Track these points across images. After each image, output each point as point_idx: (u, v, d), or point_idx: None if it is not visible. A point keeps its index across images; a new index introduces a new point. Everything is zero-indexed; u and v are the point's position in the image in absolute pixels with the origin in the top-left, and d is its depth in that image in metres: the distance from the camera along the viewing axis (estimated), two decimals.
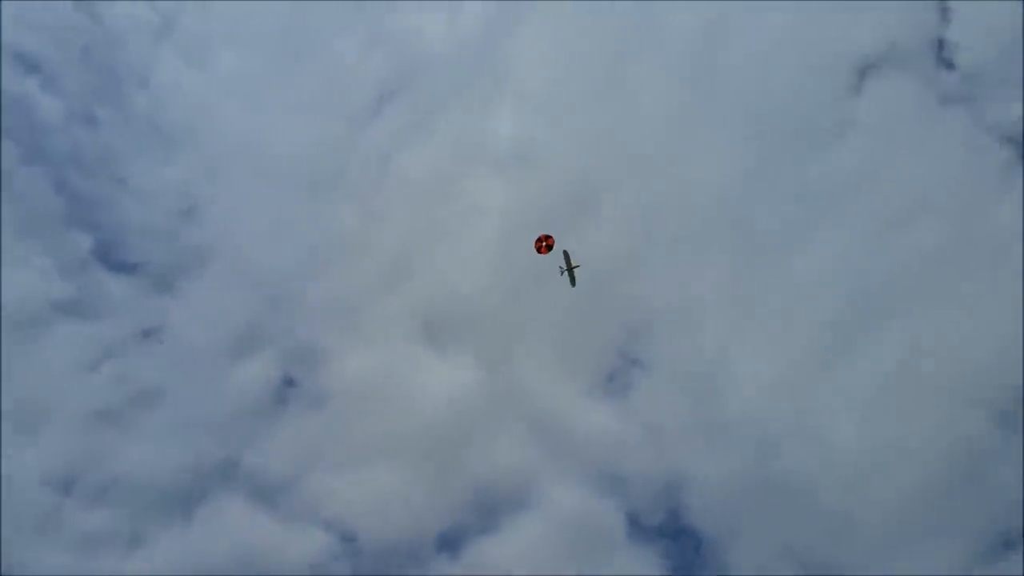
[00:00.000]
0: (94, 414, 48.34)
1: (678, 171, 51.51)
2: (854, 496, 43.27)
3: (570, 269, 41.21)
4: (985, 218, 44.18)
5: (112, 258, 51.62)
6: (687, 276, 49.73)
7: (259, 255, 53.84)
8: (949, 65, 46.50)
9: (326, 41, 56.99)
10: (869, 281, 46.85)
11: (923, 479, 42.53)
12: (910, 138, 47.08)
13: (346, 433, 50.33)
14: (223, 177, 55.11)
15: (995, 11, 45.21)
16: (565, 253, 41.14)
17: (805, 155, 49.28)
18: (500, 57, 54.99)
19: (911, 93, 47.14)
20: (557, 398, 50.07)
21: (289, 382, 51.16)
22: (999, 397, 41.59)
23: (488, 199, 53.72)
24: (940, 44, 46.76)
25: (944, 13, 46.86)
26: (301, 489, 48.24)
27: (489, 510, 47.50)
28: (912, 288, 45.98)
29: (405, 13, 56.48)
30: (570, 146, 52.94)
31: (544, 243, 40.77)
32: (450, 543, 46.93)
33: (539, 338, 50.88)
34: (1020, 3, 44.34)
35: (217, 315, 52.28)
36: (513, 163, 54.03)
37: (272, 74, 57.12)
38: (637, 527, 46.55)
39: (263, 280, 53.17)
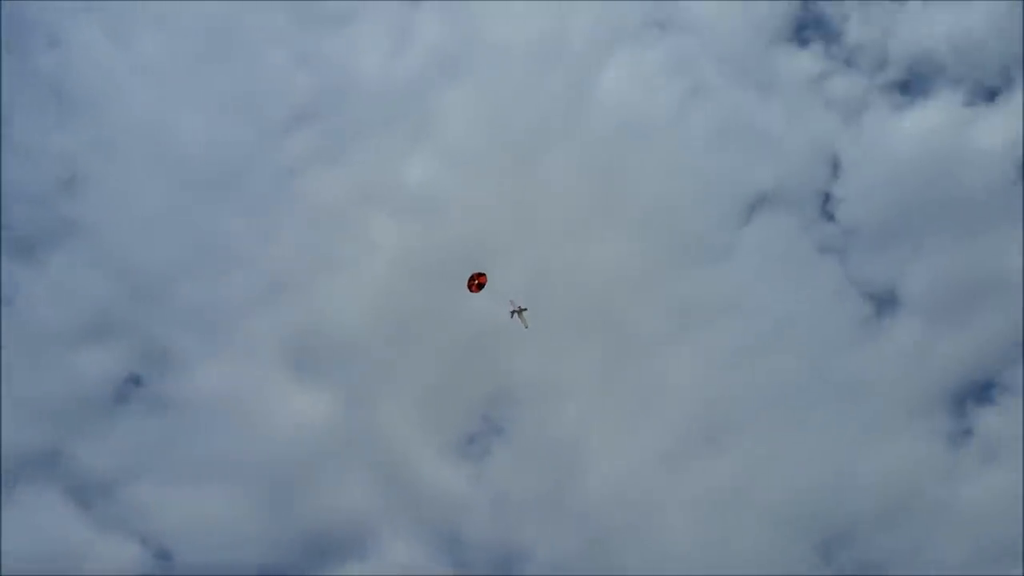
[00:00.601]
0: None
1: (571, 255, 53.42)
2: None
3: (520, 312, 40.85)
4: (836, 363, 48.13)
5: None
6: (561, 356, 50.88)
7: (133, 243, 51.50)
8: (830, 217, 51.16)
9: (257, 48, 56.31)
10: (723, 398, 49.58)
11: None
12: (784, 275, 51.10)
13: (184, 446, 47.92)
14: (116, 155, 52.89)
15: (881, 176, 50.53)
16: (511, 301, 40.74)
17: (688, 271, 52.51)
18: (429, 103, 55.72)
19: (792, 234, 51.39)
20: (412, 450, 49.59)
21: (135, 380, 48.68)
22: (823, 527, 44.57)
23: (384, 238, 53.72)
24: (827, 196, 51.48)
25: (835, 169, 51.75)
26: (123, 495, 45.55)
27: (318, 552, 46.00)
28: (760, 413, 49.06)
29: (346, 39, 56.59)
30: (475, 205, 53.56)
31: (476, 281, 40.06)
32: None
33: (407, 386, 50.60)
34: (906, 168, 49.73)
35: (73, 295, 49.43)
36: (416, 208, 54.34)
37: (193, 68, 55.72)
38: None
39: (131, 269, 50.75)
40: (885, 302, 48.11)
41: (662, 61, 56.29)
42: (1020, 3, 48.98)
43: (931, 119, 50.29)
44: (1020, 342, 43.46)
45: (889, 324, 47.90)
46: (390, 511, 48.60)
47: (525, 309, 40.64)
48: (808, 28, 54.19)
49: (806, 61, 53.80)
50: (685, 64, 55.93)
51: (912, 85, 51.14)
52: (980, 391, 44.10)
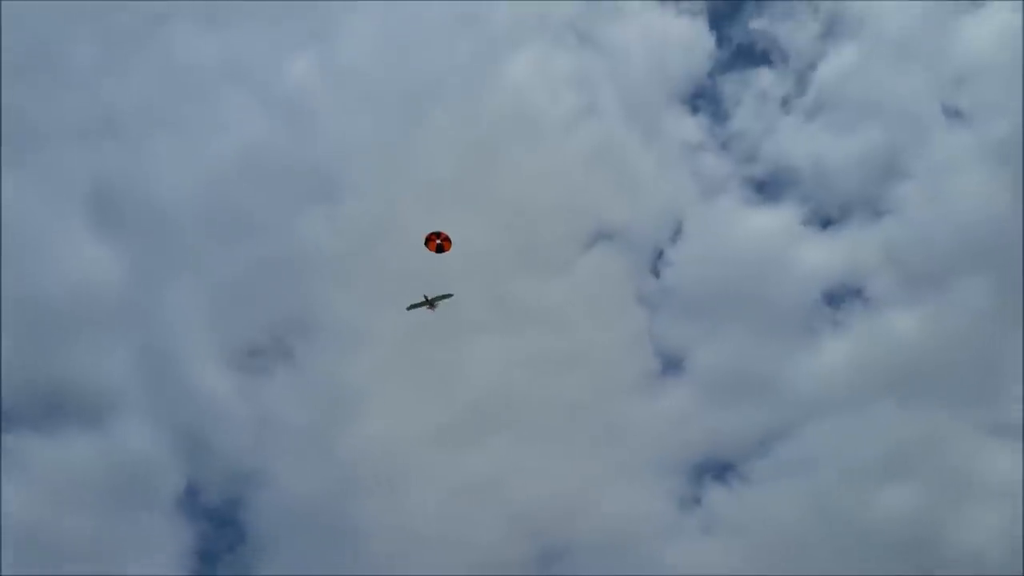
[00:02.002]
0: None
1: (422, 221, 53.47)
2: None
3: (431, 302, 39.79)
4: (614, 398, 51.16)
5: None
6: (372, 308, 50.99)
7: None
8: (657, 273, 54.63)
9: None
10: (508, 397, 51.52)
11: None
12: (601, 306, 53.79)
13: None
14: None
15: (710, 255, 54.48)
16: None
17: (522, 272, 54.22)
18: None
19: (621, 274, 54.46)
20: (188, 343, 48.97)
21: None
22: (547, 540, 47.55)
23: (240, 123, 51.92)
24: (660, 254, 54.89)
25: (676, 233, 55.23)
26: None
27: (52, 406, 44.11)
28: (532, 421, 51.30)
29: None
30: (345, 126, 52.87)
31: (438, 239, 37.64)
32: None
33: (208, 280, 49.56)
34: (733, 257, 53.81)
35: None
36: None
37: None
38: None
39: None
40: (672, 364, 51.85)
41: (571, 71, 57.81)
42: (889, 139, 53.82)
43: (770, 224, 54.67)
44: (764, 440, 48.46)
45: (669, 384, 51.69)
46: (141, 394, 46.78)
47: (446, 297, 39.60)
48: (704, 99, 57.74)
49: (691, 128, 57.23)
50: (589, 82, 57.69)
51: (767, 187, 55.49)
52: (719, 469, 48.35)
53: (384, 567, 48.12)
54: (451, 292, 40.10)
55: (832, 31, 56.44)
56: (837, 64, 55.90)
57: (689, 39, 58.02)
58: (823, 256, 51.95)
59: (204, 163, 53.28)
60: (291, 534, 47.84)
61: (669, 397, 51.44)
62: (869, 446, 44.75)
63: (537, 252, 54.24)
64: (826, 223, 53.31)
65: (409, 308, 40.52)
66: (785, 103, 56.59)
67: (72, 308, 46.29)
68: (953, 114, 52.20)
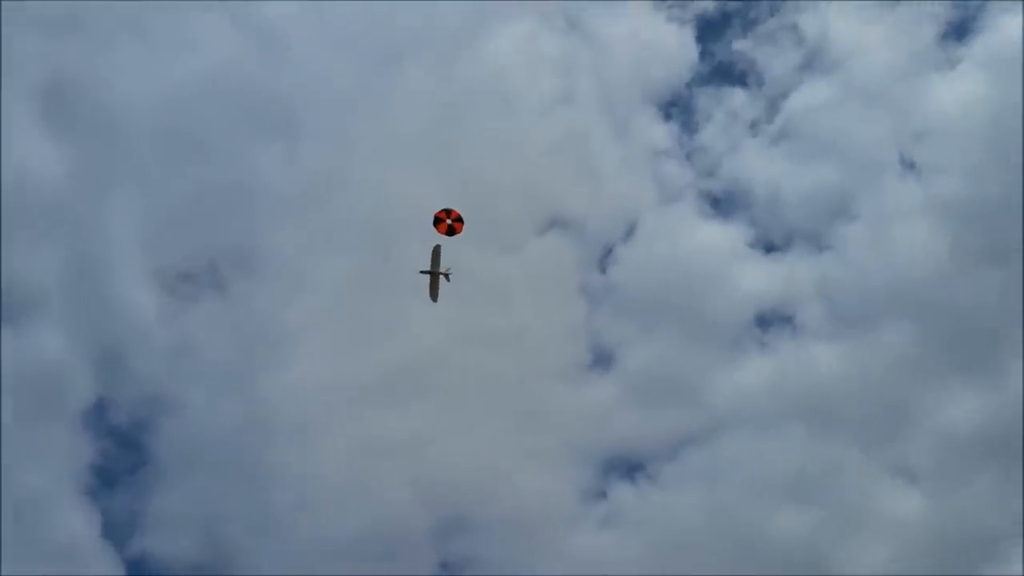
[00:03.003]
0: None
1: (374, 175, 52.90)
2: None
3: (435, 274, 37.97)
4: (543, 380, 51.93)
5: None
6: (320, 253, 50.17)
7: None
8: (603, 269, 55.15)
9: None
10: (435, 362, 51.73)
11: None
12: (545, 288, 54.23)
13: None
14: None
15: (656, 260, 55.08)
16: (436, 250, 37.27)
17: (474, 246, 53.93)
18: None
19: (569, 263, 54.89)
20: (118, 255, 48.30)
21: None
22: (447, 512, 47.84)
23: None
24: (610, 251, 55.38)
25: (628, 234, 55.78)
26: None
27: None
28: (452, 387, 51.59)
29: None
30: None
31: (448, 218, 35.87)
32: None
33: (156, 195, 48.49)
34: (677, 267, 54.82)
35: None
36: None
37: None
38: None
39: None
40: (603, 359, 52.49)
41: (554, 54, 57.85)
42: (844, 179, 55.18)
43: (718, 239, 55.54)
44: (676, 445, 49.64)
45: (596, 378, 52.37)
46: (63, 300, 45.59)
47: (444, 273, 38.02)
48: (678, 107, 58.50)
49: (660, 134, 57.82)
50: (570, 69, 57.84)
51: (722, 203, 56.41)
52: (629, 467, 49.36)
53: (284, 515, 48.00)
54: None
55: (811, 64, 57.77)
56: (809, 97, 57.19)
57: (674, 47, 58.65)
58: (762, 279, 53.18)
59: (167, 76, 52.03)
60: (195, 466, 47.37)
61: (594, 390, 52.17)
62: (774, 466, 46.26)
63: (490, 227, 54.31)
64: (770, 248, 54.67)
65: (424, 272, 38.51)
66: (753, 126, 57.77)
67: (7, 198, 44.66)
68: (908, 166, 53.93)
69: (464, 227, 37.09)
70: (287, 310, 49.87)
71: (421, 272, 38.51)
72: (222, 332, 48.56)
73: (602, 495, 49.14)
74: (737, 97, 58.23)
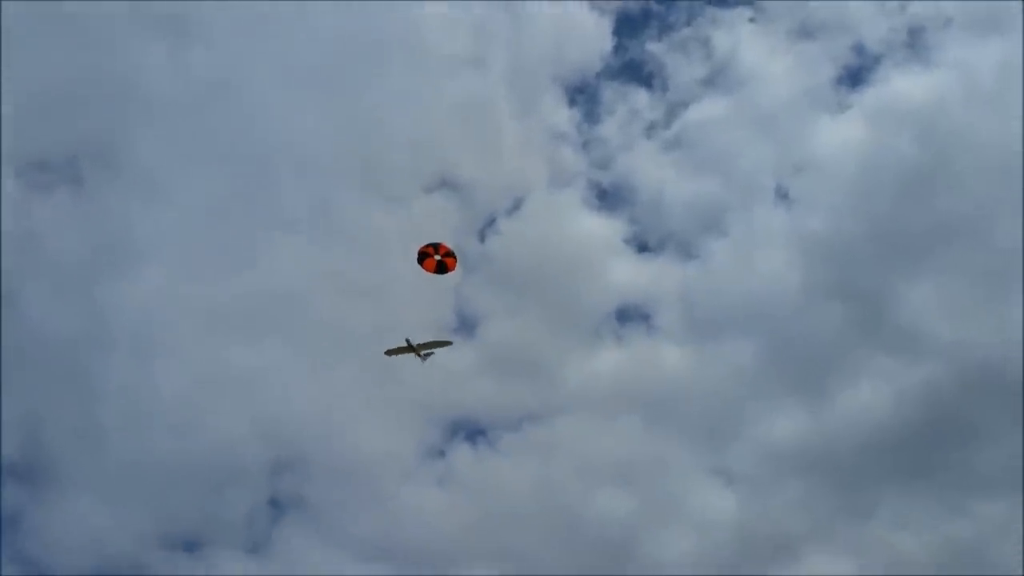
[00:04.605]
0: None
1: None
2: None
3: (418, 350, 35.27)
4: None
5: None
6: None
7: None
8: (483, 239, 55.87)
9: None
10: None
11: None
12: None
13: None
14: None
15: (531, 236, 56.04)
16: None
17: (361, 196, 53.06)
18: None
19: (451, 222, 54.76)
20: None
21: None
22: (280, 451, 47.07)
23: None
24: (492, 221, 56.13)
25: (515, 207, 56.41)
26: None
27: None
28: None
29: None
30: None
31: (436, 253, 31.77)
32: None
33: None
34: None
35: None
36: None
37: None
38: None
39: None
40: (467, 326, 53.29)
41: (473, 18, 57.60)
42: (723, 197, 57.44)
43: (598, 231, 57.02)
44: (521, 417, 50.79)
45: (457, 343, 52.74)
46: None
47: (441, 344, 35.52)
48: (584, 95, 59.42)
49: (562, 117, 58.85)
50: (486, 36, 58.00)
51: (608, 197, 57.81)
52: (472, 432, 50.30)
53: (112, 429, 46.40)
54: (449, 340, 36.21)
55: (714, 80, 59.95)
56: (707, 112, 59.40)
57: (592, 35, 59.68)
58: (630, 276, 55.19)
59: None
60: (24, 363, 44.91)
61: (452, 355, 52.54)
62: (606, 452, 48.24)
63: (378, 176, 53.82)
64: (643, 248, 56.64)
65: (388, 353, 36.09)
66: (650, 128, 59.56)
67: None
68: (782, 195, 56.79)
69: (457, 263, 33.04)
70: (144, 219, 47.88)
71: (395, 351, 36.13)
72: (72, 230, 46.13)
73: (441, 454, 50.07)
74: (641, 97, 60.00)
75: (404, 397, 50.70)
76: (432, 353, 36.51)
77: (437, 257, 32.48)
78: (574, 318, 53.47)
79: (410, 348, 36.12)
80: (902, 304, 50.05)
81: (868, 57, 58.60)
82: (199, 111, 49.34)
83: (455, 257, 32.96)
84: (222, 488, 46.95)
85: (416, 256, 32.96)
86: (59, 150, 46.49)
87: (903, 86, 56.65)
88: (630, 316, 53.98)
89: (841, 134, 57.38)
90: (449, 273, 32.79)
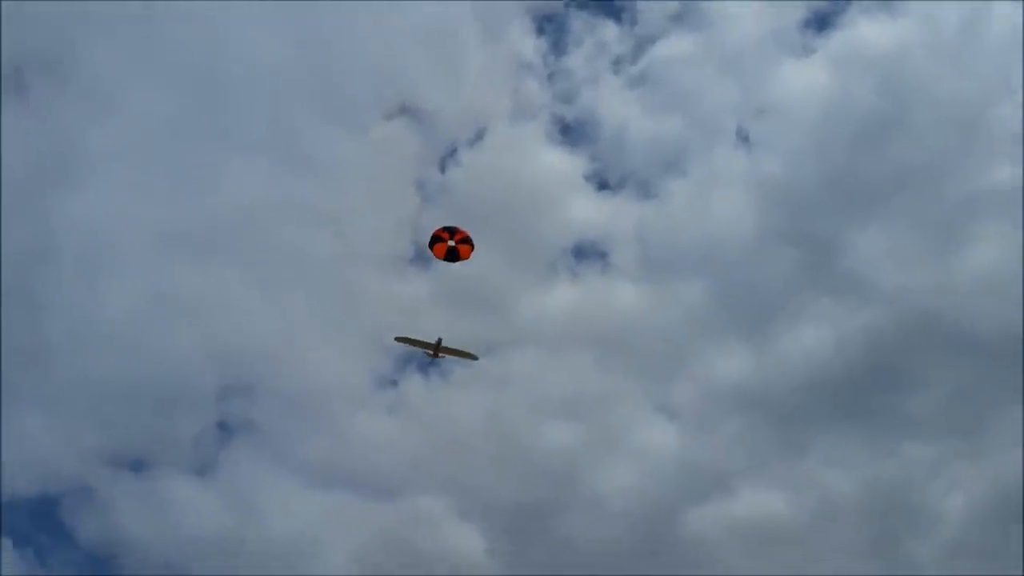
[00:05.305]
0: None
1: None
2: None
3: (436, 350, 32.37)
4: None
5: None
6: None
7: None
8: (443, 170, 55.28)
9: None
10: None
11: None
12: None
13: None
14: None
15: (492, 167, 55.73)
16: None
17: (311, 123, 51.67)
18: None
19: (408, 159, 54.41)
20: None
21: None
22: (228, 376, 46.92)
23: None
24: (454, 150, 55.56)
25: (478, 136, 55.88)
26: None
27: None
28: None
29: None
30: None
31: (451, 239, 28.25)
32: None
33: None
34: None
35: None
36: None
37: None
38: None
39: None
40: (423, 256, 52.59)
41: None
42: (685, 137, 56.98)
43: (559, 166, 56.60)
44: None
45: (414, 274, 52.36)
46: None
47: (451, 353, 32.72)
48: (553, 25, 58.28)
49: (529, 47, 57.65)
50: None
51: (570, 131, 57.32)
52: (424, 364, 50.90)
53: (57, 348, 45.92)
54: (476, 355, 33.43)
55: (683, 17, 58.91)
56: (674, 49, 58.65)
57: None
58: (588, 214, 55.24)
59: None
60: None
61: (409, 285, 52.60)
62: (556, 385, 49.18)
63: (336, 100, 52.68)
64: (603, 185, 56.58)
65: (399, 340, 33.48)
66: (617, 63, 58.76)
67: None
68: (743, 138, 56.85)
69: (473, 252, 29.66)
70: (94, 132, 46.33)
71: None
72: (16, 142, 44.36)
73: (393, 384, 50.54)
74: (610, 31, 58.91)
75: (358, 326, 51.07)
76: (444, 357, 34.18)
77: (451, 243, 29.64)
78: (531, 253, 53.77)
79: (431, 346, 33.45)
80: (850, 251, 51.10)
81: (838, 4, 58.25)
82: (154, 22, 47.29)
83: (472, 244, 30.04)
84: (170, 410, 47.01)
85: (429, 239, 30.31)
86: (3, 60, 44.42)
87: (869, 33, 56.30)
88: (587, 253, 54.44)
89: (804, 79, 57.09)
90: (461, 262, 29.93)
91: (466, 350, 33.65)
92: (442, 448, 47.90)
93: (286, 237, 50.55)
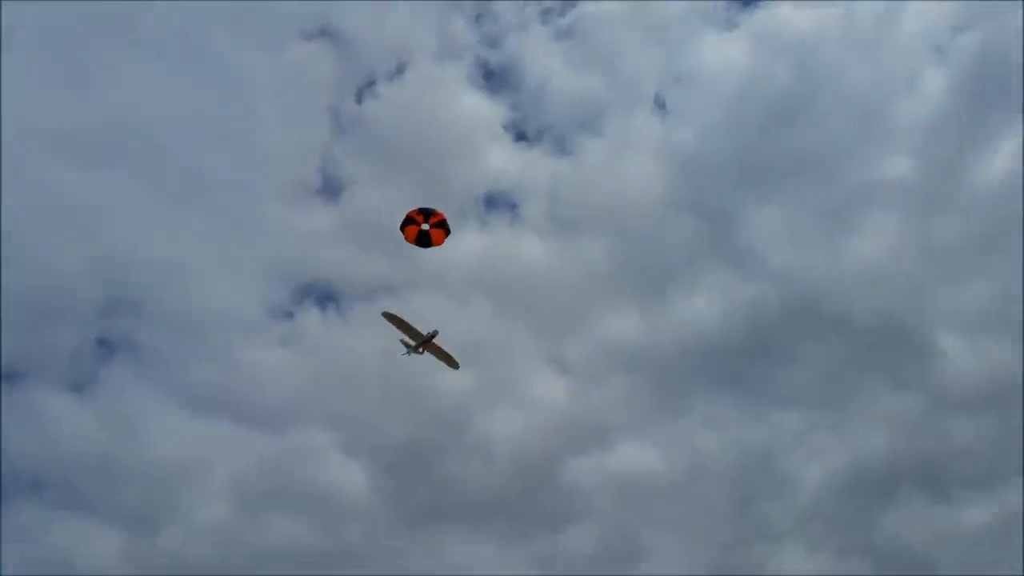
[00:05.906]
0: None
1: None
2: None
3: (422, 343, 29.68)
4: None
5: None
6: None
7: None
8: (360, 100, 53.94)
9: None
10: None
11: None
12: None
13: None
14: None
15: (409, 104, 54.75)
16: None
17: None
18: None
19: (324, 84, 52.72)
20: None
21: None
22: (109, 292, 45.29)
23: None
24: (373, 83, 54.02)
25: (394, 76, 54.49)
26: None
27: None
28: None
29: None
30: None
31: (425, 221, 25.92)
32: None
33: None
34: None
35: None
36: None
37: None
38: None
39: None
40: (331, 190, 52.79)
41: None
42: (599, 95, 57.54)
43: (478, 112, 56.26)
44: (375, 288, 50.65)
45: (319, 207, 52.69)
46: None
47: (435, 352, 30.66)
48: None
49: None
50: None
51: (493, 78, 57.02)
52: (324, 297, 50.48)
53: None
54: (458, 364, 31.72)
55: None
56: (603, 7, 58.51)
57: None
58: (503, 164, 55.30)
59: None
60: None
61: (314, 217, 51.95)
62: (455, 331, 49.39)
63: (253, 12, 50.13)
64: (521, 137, 56.67)
65: (386, 316, 31.31)
66: (545, 14, 58.28)
67: None
68: (660, 104, 57.71)
69: (447, 238, 27.45)
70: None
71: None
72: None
73: (289, 316, 49.93)
74: None
75: (257, 254, 49.95)
76: (421, 352, 32.86)
77: (424, 226, 28.06)
78: (442, 197, 53.11)
79: (420, 336, 32.17)
80: (747, 226, 53.13)
81: None
82: None
83: (447, 230, 28.37)
84: (48, 321, 45.08)
85: (401, 220, 28.47)
86: None
87: (790, 14, 57.71)
88: (497, 203, 54.60)
89: (724, 52, 58.20)
90: (433, 248, 27.99)
91: (452, 356, 32.97)
92: (333, 384, 47.93)
93: (187, 152, 48.59)
